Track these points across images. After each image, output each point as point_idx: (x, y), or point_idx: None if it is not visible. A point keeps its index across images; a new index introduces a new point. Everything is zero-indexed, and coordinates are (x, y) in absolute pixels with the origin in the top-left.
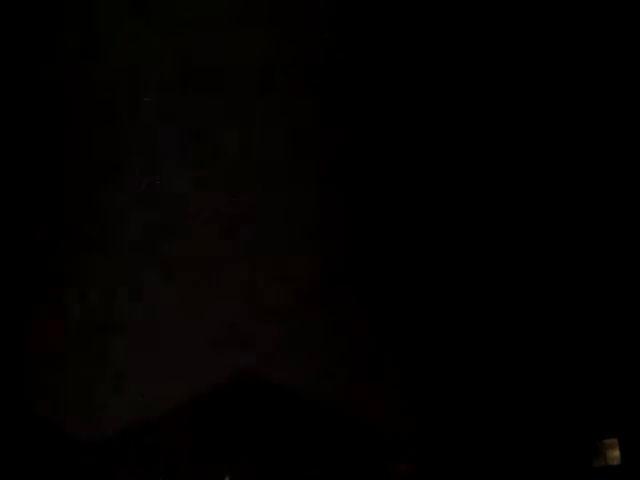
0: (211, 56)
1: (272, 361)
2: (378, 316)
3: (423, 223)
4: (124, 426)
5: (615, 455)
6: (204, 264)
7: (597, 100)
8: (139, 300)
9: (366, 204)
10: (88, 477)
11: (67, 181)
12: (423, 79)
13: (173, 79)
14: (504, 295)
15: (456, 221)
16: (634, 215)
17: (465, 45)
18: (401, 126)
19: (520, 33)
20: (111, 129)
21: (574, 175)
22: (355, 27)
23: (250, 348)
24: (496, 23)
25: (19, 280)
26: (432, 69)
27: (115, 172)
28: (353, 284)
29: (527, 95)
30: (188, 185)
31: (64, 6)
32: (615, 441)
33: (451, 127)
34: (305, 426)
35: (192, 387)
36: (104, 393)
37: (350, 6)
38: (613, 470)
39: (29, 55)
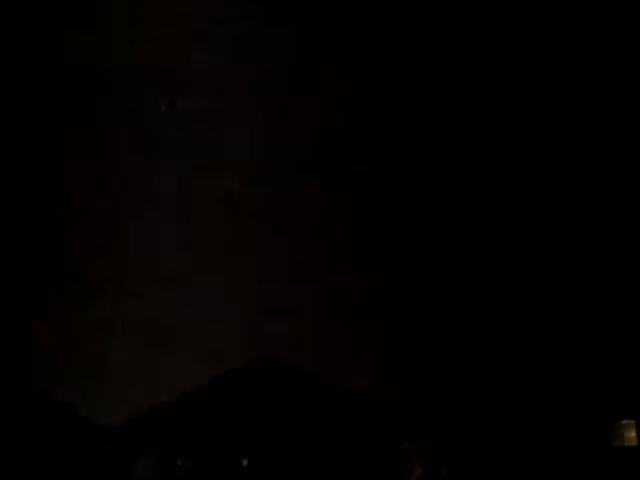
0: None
1: (291, 346)
2: (395, 300)
3: (432, 220)
4: (142, 410)
5: (632, 436)
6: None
7: (597, 100)
8: (159, 285)
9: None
10: (107, 460)
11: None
12: (423, 80)
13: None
14: (521, 275)
15: (459, 220)
16: (634, 215)
17: (465, 46)
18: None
19: (520, 33)
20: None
21: (574, 175)
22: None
23: (269, 333)
24: (496, 24)
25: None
26: (432, 70)
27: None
28: (370, 276)
29: (527, 95)
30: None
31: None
32: (632, 422)
33: (452, 128)
34: (322, 408)
35: (211, 371)
36: (121, 377)
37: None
38: (630, 451)
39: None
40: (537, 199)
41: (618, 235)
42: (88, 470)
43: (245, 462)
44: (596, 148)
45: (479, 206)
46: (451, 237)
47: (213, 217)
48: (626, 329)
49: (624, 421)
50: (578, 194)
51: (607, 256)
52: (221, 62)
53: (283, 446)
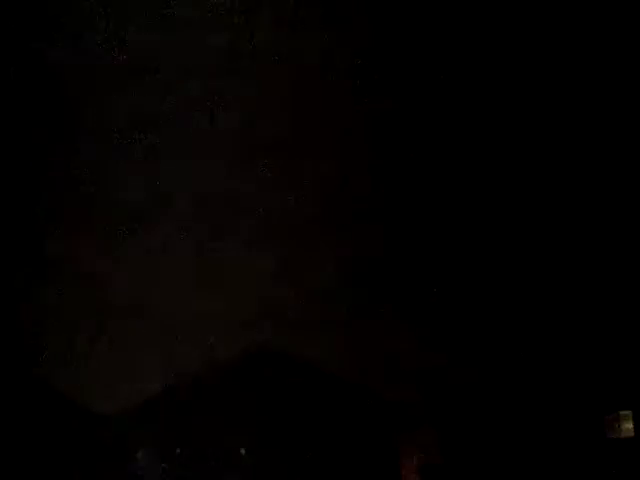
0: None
1: (289, 333)
2: (393, 287)
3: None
4: (140, 398)
5: (629, 427)
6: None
7: (597, 100)
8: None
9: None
10: (105, 449)
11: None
12: (423, 80)
13: None
14: (519, 267)
15: (459, 219)
16: (634, 215)
17: (465, 46)
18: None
19: (520, 33)
20: None
21: (574, 175)
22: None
23: (267, 321)
24: (496, 23)
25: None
26: (432, 70)
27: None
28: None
29: (527, 95)
30: None
31: None
32: (629, 413)
33: (452, 128)
34: (321, 397)
35: (208, 359)
36: (119, 365)
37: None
38: (626, 442)
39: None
40: (537, 198)
41: (613, 232)
42: (87, 458)
43: (243, 451)
44: (596, 148)
45: (475, 202)
46: (449, 232)
47: None
48: (622, 320)
49: (621, 412)
50: (578, 194)
51: (604, 251)
52: None
53: (280, 435)
